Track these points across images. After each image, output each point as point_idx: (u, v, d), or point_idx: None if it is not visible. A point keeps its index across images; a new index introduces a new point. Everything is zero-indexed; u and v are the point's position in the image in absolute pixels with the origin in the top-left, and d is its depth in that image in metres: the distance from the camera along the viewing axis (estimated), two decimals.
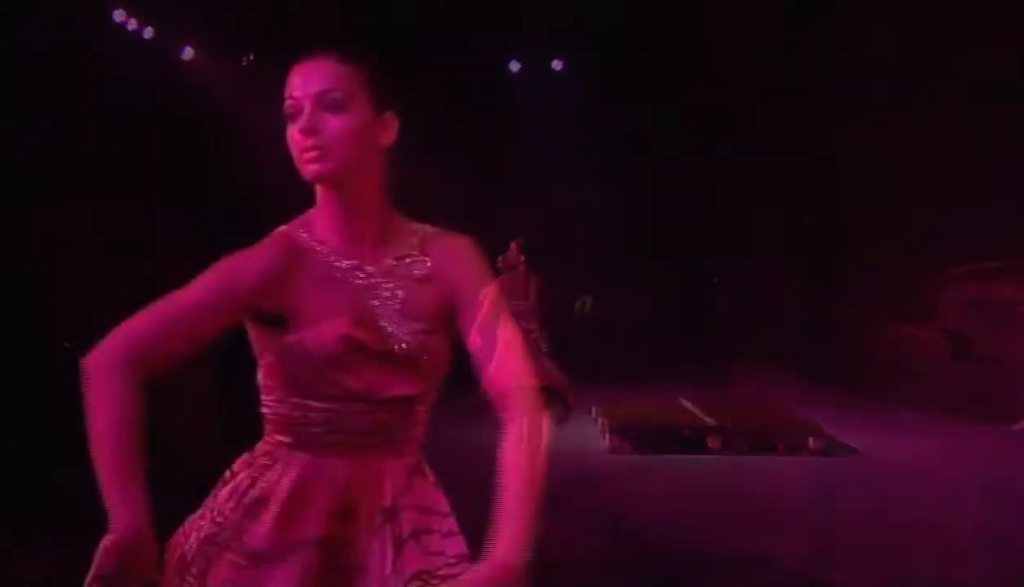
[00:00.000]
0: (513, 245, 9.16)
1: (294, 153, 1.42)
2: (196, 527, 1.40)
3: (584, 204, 13.15)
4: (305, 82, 1.43)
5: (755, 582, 4.46)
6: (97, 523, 1.25)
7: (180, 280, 1.45)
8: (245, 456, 1.46)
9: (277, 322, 1.40)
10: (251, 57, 12.02)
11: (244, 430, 1.62)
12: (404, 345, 1.42)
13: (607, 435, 7.61)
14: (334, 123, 1.39)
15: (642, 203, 13.30)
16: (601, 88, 13.21)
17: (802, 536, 4.98)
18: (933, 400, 9.09)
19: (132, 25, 10.88)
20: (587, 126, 13.36)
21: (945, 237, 9.61)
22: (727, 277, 13.50)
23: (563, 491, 5.95)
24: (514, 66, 13.34)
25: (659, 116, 13.17)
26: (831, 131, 11.93)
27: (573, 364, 10.84)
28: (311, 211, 1.49)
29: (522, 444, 1.36)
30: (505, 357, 1.43)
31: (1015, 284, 8.63)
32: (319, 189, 1.46)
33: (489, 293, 1.46)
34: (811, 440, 7.14)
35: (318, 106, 1.40)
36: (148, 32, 11.11)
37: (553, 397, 7.67)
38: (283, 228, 1.47)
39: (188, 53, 11.75)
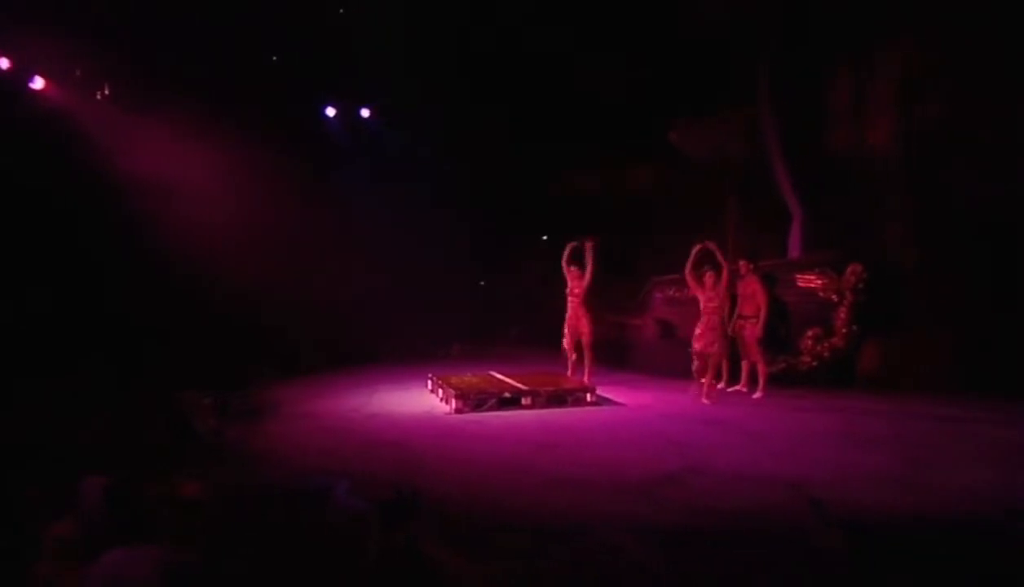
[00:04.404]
0: None
1: None
2: None
3: (386, 220, 14.56)
4: None
5: (564, 476, 6.45)
6: None
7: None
8: None
9: None
10: (106, 91, 12.14)
11: None
12: None
13: (452, 400, 9.27)
14: None
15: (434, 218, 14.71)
16: (399, 131, 14.74)
17: (589, 451, 7.38)
18: (650, 367, 11.99)
19: None
20: (387, 160, 14.86)
21: (655, 257, 12.78)
22: (506, 283, 15.75)
23: (429, 442, 7.82)
24: (330, 112, 14.57)
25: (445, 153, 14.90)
26: (572, 176, 14.71)
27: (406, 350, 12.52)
28: None
29: None
30: None
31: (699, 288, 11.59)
32: None
33: None
34: (588, 396, 9.68)
35: None
36: (3, 62, 11.07)
37: None
38: None
39: (38, 83, 11.68)
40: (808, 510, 5.47)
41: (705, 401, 9.56)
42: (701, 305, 9.72)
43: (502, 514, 5.60)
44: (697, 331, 9.73)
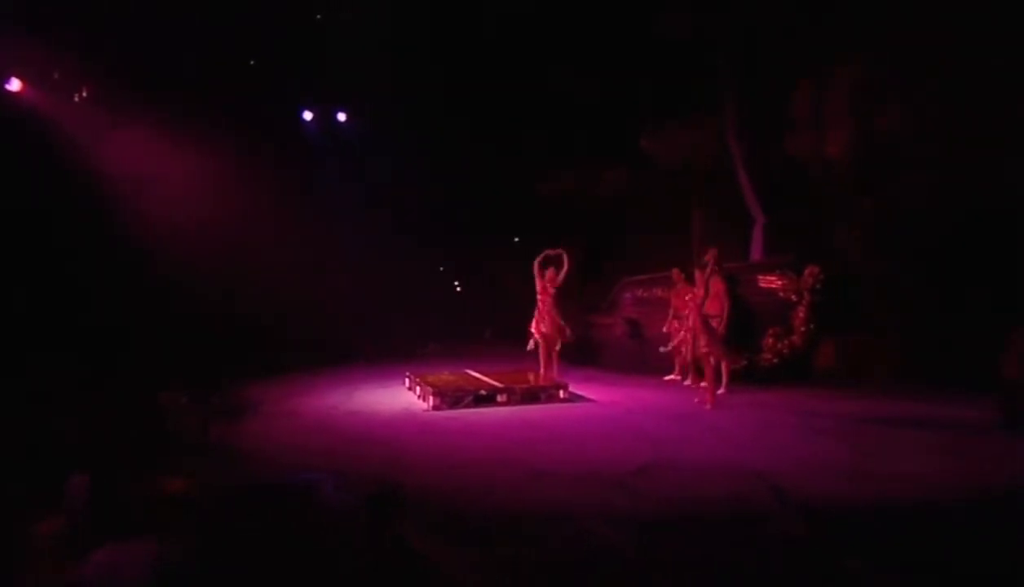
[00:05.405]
0: None
1: None
2: None
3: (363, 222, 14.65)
4: None
5: (541, 469, 6.62)
6: None
7: None
8: None
9: None
10: (84, 93, 12.05)
11: None
12: None
13: (429, 398, 9.42)
14: None
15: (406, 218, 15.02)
16: (375, 134, 14.87)
17: (564, 445, 7.60)
18: (618, 364, 12.25)
19: None
20: (363, 163, 14.95)
21: (626, 258, 13.06)
22: (481, 284, 15.90)
23: (409, 438, 7.97)
24: (307, 116, 14.62)
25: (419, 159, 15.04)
26: (546, 178, 14.92)
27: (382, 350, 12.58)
28: None
29: None
30: None
31: (663, 288, 11.82)
32: None
33: None
34: (561, 392, 9.89)
35: None
36: None
37: None
38: None
39: (15, 84, 11.56)
40: (771, 498, 5.77)
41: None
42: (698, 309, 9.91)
43: (484, 507, 5.78)
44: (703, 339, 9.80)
